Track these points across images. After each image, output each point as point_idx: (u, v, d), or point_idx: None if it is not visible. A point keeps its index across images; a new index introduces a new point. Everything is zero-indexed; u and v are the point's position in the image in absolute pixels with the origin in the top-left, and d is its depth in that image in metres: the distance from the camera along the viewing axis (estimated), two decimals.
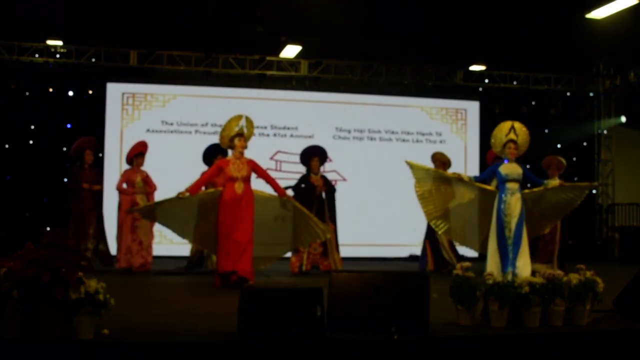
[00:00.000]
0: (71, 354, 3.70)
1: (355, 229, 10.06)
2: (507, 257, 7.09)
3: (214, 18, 11.21)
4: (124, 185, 9.34)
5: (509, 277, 4.80)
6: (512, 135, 7.41)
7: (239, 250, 7.22)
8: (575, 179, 13.29)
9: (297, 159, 9.80)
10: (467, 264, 4.72)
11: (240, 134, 7.49)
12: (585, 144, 15.07)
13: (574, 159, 14.91)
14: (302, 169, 9.77)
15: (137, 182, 9.31)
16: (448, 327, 4.53)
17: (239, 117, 7.57)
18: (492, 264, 7.13)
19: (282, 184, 9.94)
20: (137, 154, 9.42)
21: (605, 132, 15.09)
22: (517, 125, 7.54)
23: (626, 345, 4.56)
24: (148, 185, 9.38)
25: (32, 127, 12.33)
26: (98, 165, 12.21)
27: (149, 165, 10.79)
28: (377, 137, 13.47)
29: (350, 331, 4.21)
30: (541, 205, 7.78)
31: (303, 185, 9.69)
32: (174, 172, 10.03)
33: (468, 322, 4.60)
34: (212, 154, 9.48)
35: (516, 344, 4.37)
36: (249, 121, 7.59)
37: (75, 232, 9.23)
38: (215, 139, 12.37)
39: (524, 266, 7.01)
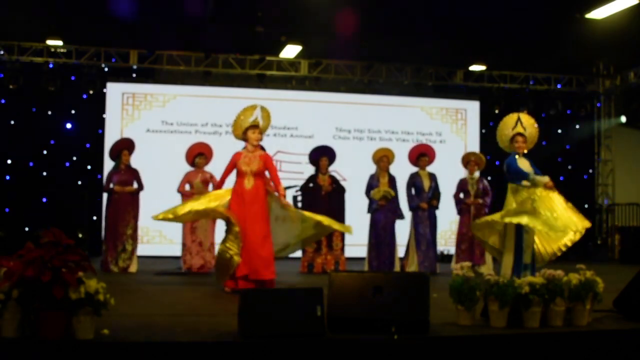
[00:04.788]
0: (71, 354, 3.69)
1: (354, 229, 10.10)
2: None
3: (214, 18, 11.20)
4: (187, 187, 9.29)
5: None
6: (519, 129, 7.09)
7: (251, 252, 6.70)
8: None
9: (297, 158, 9.83)
10: (467, 263, 4.72)
11: (254, 126, 6.96)
12: (585, 144, 15.06)
13: (574, 158, 14.96)
14: (302, 169, 9.78)
15: (195, 184, 9.25)
16: (448, 327, 4.52)
17: (254, 106, 7.03)
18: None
19: (283, 184, 9.99)
20: (197, 155, 9.35)
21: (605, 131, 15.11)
22: (524, 117, 7.23)
23: (626, 345, 4.56)
24: (208, 187, 9.21)
25: (32, 127, 12.31)
26: (98, 166, 12.35)
27: (148, 166, 10.82)
28: (377, 137, 13.48)
29: (350, 331, 4.20)
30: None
31: (311, 185, 9.73)
32: (174, 172, 10.00)
33: (468, 322, 4.60)
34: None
35: (516, 344, 4.37)
36: (264, 112, 7.07)
37: (109, 234, 9.24)
38: (215, 139, 12.51)
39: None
